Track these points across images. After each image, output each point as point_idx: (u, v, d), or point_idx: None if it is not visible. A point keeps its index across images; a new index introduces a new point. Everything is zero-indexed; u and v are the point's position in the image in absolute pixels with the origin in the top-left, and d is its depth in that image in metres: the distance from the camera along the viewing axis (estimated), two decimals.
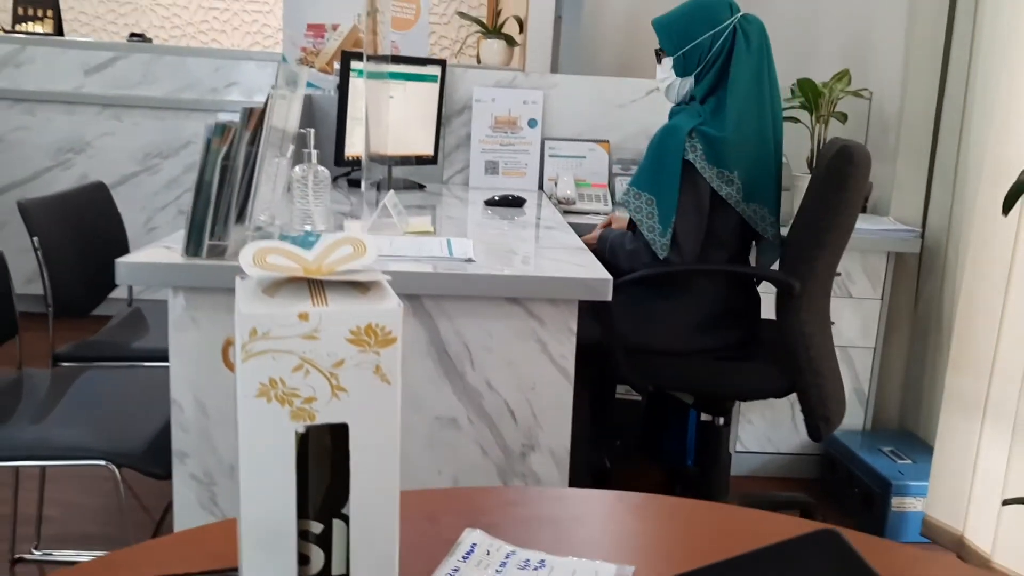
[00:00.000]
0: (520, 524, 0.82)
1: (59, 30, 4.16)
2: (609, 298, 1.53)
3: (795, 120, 2.72)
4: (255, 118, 1.53)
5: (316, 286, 0.45)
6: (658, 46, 2.09)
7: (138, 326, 2.26)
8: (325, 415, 0.44)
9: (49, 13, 4.14)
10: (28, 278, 2.85)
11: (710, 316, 2.06)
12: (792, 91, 2.73)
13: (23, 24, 4.11)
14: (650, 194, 1.97)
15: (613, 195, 2.93)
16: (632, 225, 2.10)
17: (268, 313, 0.41)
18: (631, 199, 2.01)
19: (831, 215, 1.90)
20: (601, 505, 0.89)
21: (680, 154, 1.94)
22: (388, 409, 0.46)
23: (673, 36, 2.03)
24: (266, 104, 1.53)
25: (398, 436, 0.47)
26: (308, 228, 1.85)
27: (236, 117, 1.52)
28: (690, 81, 2.04)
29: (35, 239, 1.95)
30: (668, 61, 2.05)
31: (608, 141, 2.98)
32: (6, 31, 4.12)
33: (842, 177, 1.87)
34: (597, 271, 1.59)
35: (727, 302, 2.08)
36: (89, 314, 2.09)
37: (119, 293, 2.42)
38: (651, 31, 2.14)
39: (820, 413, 2.00)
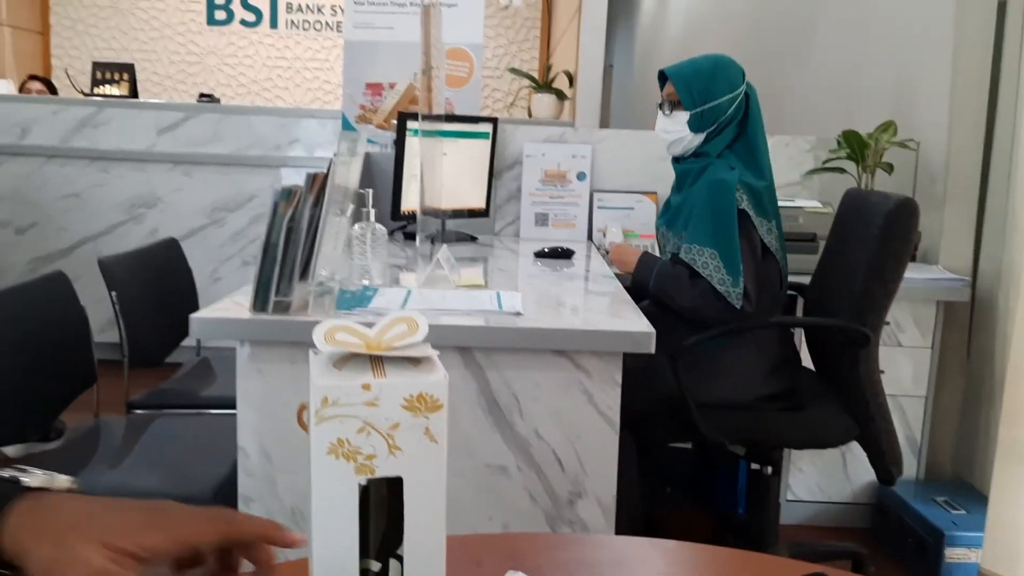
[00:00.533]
0: (563, 569, 0.88)
1: (134, 92, 4.41)
2: (652, 351, 1.59)
3: (841, 171, 2.76)
4: (318, 183, 1.64)
5: (376, 360, 0.53)
6: (665, 97, 2.13)
7: (206, 375, 2.38)
8: (383, 470, 0.52)
9: (125, 76, 4.40)
10: (102, 327, 3.00)
11: (771, 365, 2.10)
12: (838, 142, 2.78)
13: (101, 87, 4.38)
14: (712, 248, 1.98)
15: (662, 247, 2.99)
16: (681, 266, 2.13)
17: (337, 384, 0.50)
18: (695, 256, 2.00)
19: (897, 265, 1.97)
20: (644, 552, 0.94)
21: (735, 205, 1.98)
22: (436, 465, 0.54)
23: (693, 93, 2.07)
24: (329, 169, 1.64)
25: (444, 488, 0.55)
26: (366, 283, 1.95)
27: (300, 175, 1.64)
28: (700, 137, 2.09)
29: (113, 293, 2.09)
30: (682, 115, 2.08)
31: (656, 192, 3.06)
32: (86, 94, 4.38)
33: (907, 229, 1.94)
34: (640, 324, 1.65)
35: (783, 351, 2.13)
36: (162, 363, 2.22)
37: (188, 341, 2.56)
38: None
39: (891, 458, 2.04)
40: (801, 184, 3.07)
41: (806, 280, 2.36)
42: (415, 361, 0.53)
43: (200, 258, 3.95)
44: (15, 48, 5.18)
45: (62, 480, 0.62)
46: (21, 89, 4.77)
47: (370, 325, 0.56)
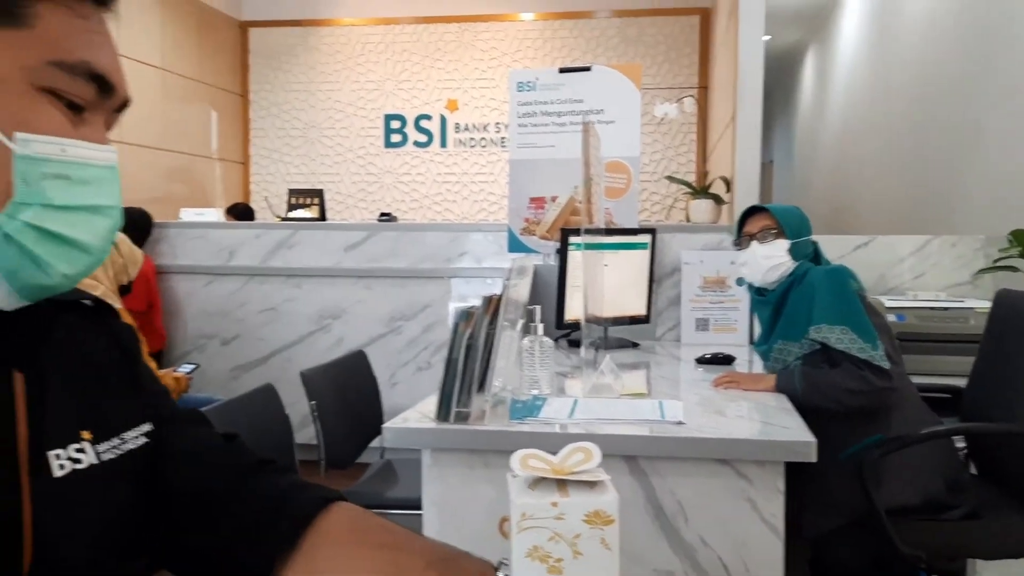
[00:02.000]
0: None
1: (323, 215, 4.90)
2: (814, 459, 1.63)
3: (1013, 269, 2.68)
4: (493, 304, 1.82)
5: (561, 482, 0.66)
6: (759, 230, 2.28)
7: (390, 476, 2.58)
8: (569, 571, 0.64)
9: (315, 201, 4.90)
10: (295, 428, 3.31)
11: (938, 463, 2.06)
12: (1009, 241, 2.72)
13: (295, 211, 4.88)
14: (842, 324, 2.05)
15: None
16: (825, 360, 2.15)
17: (532, 503, 0.63)
18: (828, 334, 2.07)
19: None
20: None
21: (854, 286, 2.12)
22: (610, 568, 0.65)
23: (793, 226, 2.27)
24: (502, 293, 1.82)
25: None
26: (535, 392, 2.10)
27: (469, 285, 1.82)
28: (795, 264, 2.26)
29: (312, 403, 2.35)
30: (783, 243, 2.25)
31: None
32: (282, 219, 4.90)
33: None
34: (802, 433, 1.69)
35: (946, 450, 2.09)
36: (353, 464, 2.44)
37: (373, 443, 2.78)
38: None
39: None
40: (972, 284, 2.99)
41: (960, 383, 2.31)
42: (591, 484, 0.66)
43: (379, 364, 4.25)
44: (224, 179, 5.88)
45: None
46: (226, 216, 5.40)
47: (554, 453, 0.69)
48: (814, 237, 2.32)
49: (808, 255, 2.27)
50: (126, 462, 0.72)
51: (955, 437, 2.18)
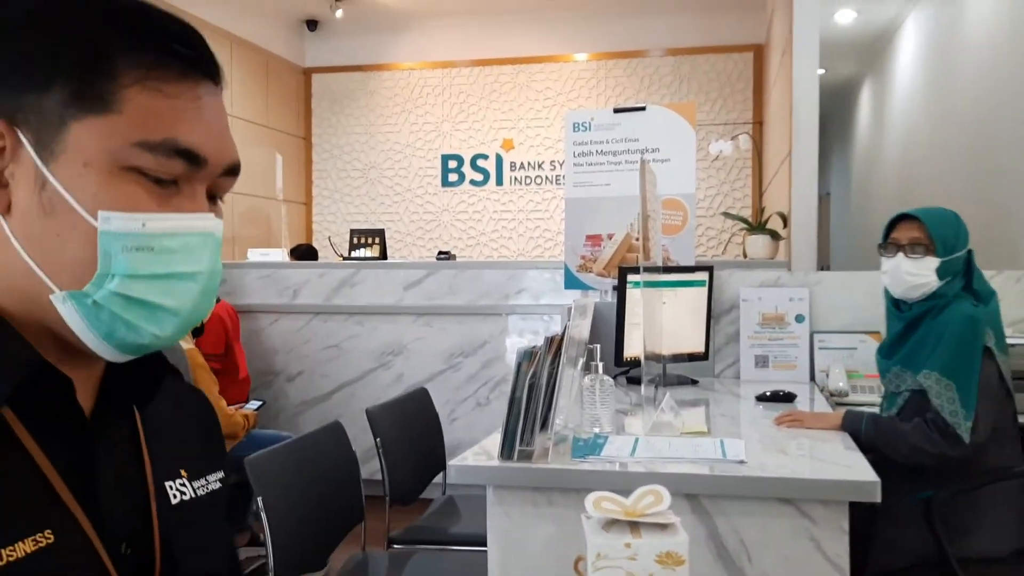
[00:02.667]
0: None
1: (383, 254, 5.01)
2: (878, 500, 1.63)
3: None
4: (555, 344, 1.87)
5: (634, 524, 0.70)
6: (908, 240, 2.15)
7: (453, 512, 2.63)
8: None
9: (376, 240, 5.02)
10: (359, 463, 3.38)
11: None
12: None
13: (357, 251, 5.01)
14: (949, 380, 2.00)
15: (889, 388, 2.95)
16: (906, 411, 2.13)
17: (607, 543, 0.67)
18: (931, 383, 2.03)
19: None
20: None
21: (981, 341, 2.02)
22: None
23: (947, 240, 2.12)
24: (563, 333, 1.87)
25: None
26: (596, 430, 2.13)
27: (526, 321, 1.87)
28: (941, 283, 2.12)
29: (378, 439, 2.41)
30: (932, 261, 2.11)
31: (879, 332, 3.04)
32: (344, 258, 5.03)
33: None
34: (866, 473, 1.70)
35: None
36: (416, 500, 2.50)
37: (435, 479, 2.83)
38: (924, 204, 2.25)
39: None
40: None
41: None
42: (663, 525, 0.70)
43: (439, 400, 4.31)
44: (288, 219, 6.07)
45: None
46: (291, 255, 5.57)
47: (622, 494, 0.73)
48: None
49: (959, 271, 2.14)
50: (213, 499, 0.81)
51: None
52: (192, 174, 0.67)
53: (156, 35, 0.66)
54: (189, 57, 0.67)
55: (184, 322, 0.68)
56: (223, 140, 0.70)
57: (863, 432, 2.05)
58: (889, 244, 2.20)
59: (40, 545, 0.61)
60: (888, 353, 2.27)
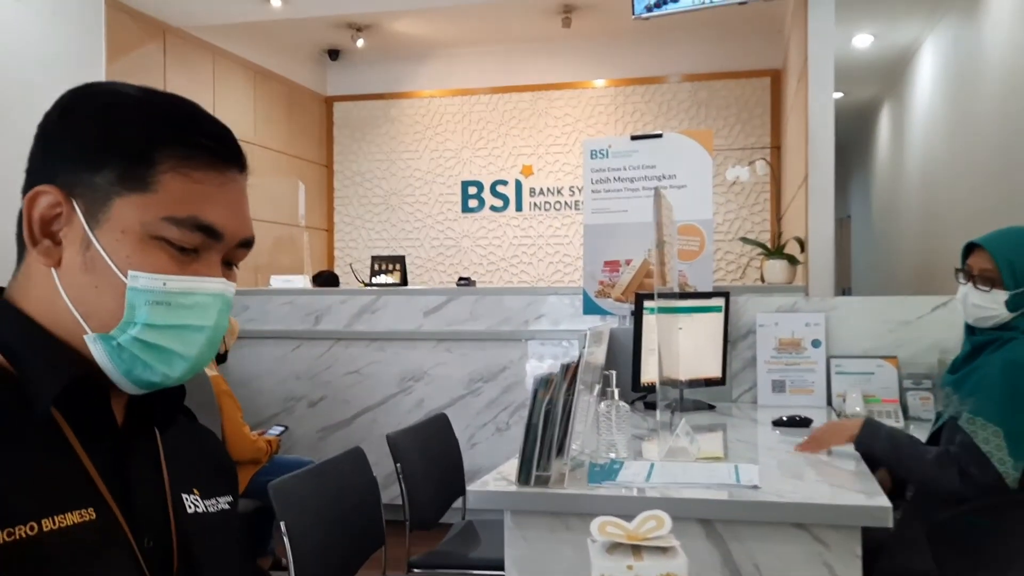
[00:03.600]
0: None
1: (404, 280, 5.08)
2: (890, 525, 1.64)
3: None
4: (571, 371, 1.91)
5: (636, 547, 0.74)
6: (978, 271, 2.11)
7: (472, 538, 2.65)
8: None
9: (397, 267, 5.09)
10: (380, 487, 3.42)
11: None
12: None
13: (378, 277, 5.08)
14: (997, 426, 1.95)
15: (905, 410, 2.96)
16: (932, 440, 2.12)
17: (610, 566, 0.71)
18: (978, 429, 1.97)
19: None
20: None
21: None
22: None
23: (1018, 272, 2.06)
24: (579, 360, 1.91)
25: None
26: (612, 456, 2.16)
27: (546, 347, 1.91)
28: (1012, 315, 2.07)
29: (398, 465, 2.45)
30: (1001, 294, 2.07)
31: (896, 357, 3.05)
32: (366, 284, 5.10)
33: None
34: (878, 499, 1.71)
35: None
36: (436, 524, 2.53)
37: (455, 503, 2.86)
38: (944, 233, 2.21)
39: None
40: None
41: None
42: (664, 549, 0.73)
43: (459, 425, 4.35)
44: (311, 246, 6.16)
45: None
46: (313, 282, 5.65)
47: (629, 520, 0.77)
48: None
49: None
50: (223, 516, 0.93)
51: None
52: (210, 245, 0.81)
53: (191, 132, 0.81)
54: (217, 150, 0.82)
55: (191, 366, 0.81)
56: (240, 218, 0.83)
57: (879, 448, 2.05)
58: (963, 271, 2.17)
59: (84, 519, 0.73)
60: (953, 369, 2.24)
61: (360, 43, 6.76)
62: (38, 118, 0.83)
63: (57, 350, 0.78)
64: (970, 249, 2.17)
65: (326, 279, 5.84)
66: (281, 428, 3.96)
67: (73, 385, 0.76)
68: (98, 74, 5.01)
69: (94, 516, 0.74)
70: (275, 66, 6.87)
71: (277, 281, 5.05)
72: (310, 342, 4.67)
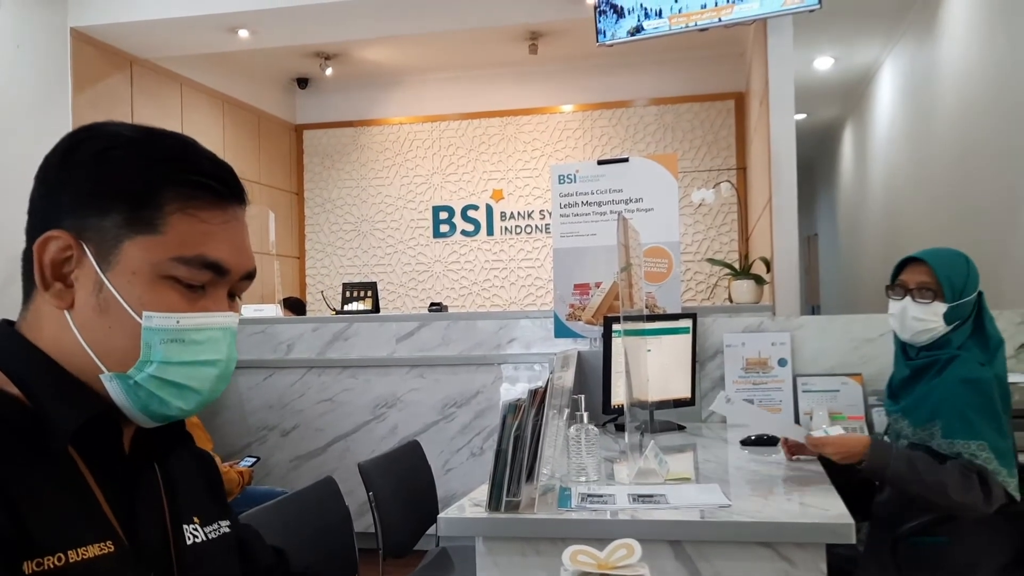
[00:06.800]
0: None
1: (376, 307, 5.08)
2: (852, 541, 1.67)
3: None
4: (539, 396, 1.93)
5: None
6: (916, 284, 2.12)
7: (446, 564, 2.65)
8: None
9: (368, 293, 5.09)
10: (352, 516, 3.40)
11: (1005, 562, 2.04)
12: None
13: (349, 304, 5.08)
14: (980, 440, 1.96)
15: (871, 426, 3.01)
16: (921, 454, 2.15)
17: None
18: (961, 450, 1.97)
19: None
20: None
21: (995, 400, 2.01)
22: None
23: (956, 286, 2.09)
24: (547, 385, 1.93)
25: None
26: (583, 479, 2.18)
27: (518, 370, 1.93)
28: (948, 328, 2.10)
29: (371, 494, 2.45)
30: (940, 307, 2.08)
31: (861, 374, 3.10)
32: (337, 312, 5.09)
33: None
34: (841, 515, 1.74)
35: (1018, 547, 2.08)
36: (410, 552, 2.52)
37: (429, 530, 2.86)
38: (906, 251, 2.22)
39: None
40: (1015, 358, 3.01)
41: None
42: None
43: (433, 451, 4.35)
44: (282, 274, 6.15)
45: None
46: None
47: (601, 548, 0.80)
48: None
49: (967, 314, 2.11)
50: (224, 542, 0.95)
51: None
52: (217, 280, 0.84)
53: (194, 173, 0.83)
54: (219, 190, 0.84)
55: (204, 399, 0.84)
56: (243, 253, 0.87)
57: (891, 468, 1.99)
58: (897, 286, 2.17)
59: (103, 552, 0.76)
60: (893, 395, 2.26)
61: (329, 71, 6.80)
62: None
63: (73, 387, 0.80)
64: (903, 265, 2.18)
65: (293, 305, 5.83)
66: (253, 459, 3.93)
67: (89, 423, 0.78)
68: (64, 105, 4.99)
69: (112, 549, 0.76)
70: (244, 95, 6.88)
71: (248, 310, 5.03)
72: (282, 371, 4.65)
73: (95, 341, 0.80)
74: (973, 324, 2.13)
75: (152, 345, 0.80)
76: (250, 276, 0.88)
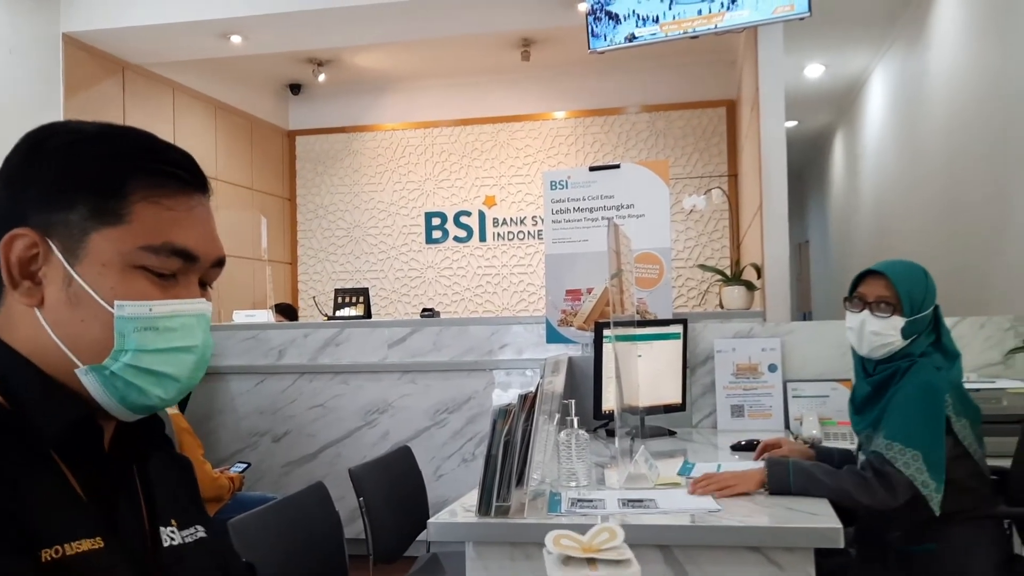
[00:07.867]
0: None
1: (368, 312, 5.08)
2: (841, 546, 1.68)
3: None
4: (529, 401, 1.93)
5: (591, 559, 0.78)
6: (875, 297, 2.11)
7: (436, 569, 2.65)
8: None
9: (360, 299, 5.09)
10: (344, 522, 3.39)
11: (992, 566, 2.05)
12: None
13: (341, 310, 5.07)
14: (916, 450, 1.96)
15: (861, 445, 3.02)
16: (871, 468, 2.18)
17: None
18: (896, 455, 1.97)
19: None
20: None
21: (944, 412, 2.01)
22: None
23: (914, 299, 2.09)
24: (537, 390, 1.93)
25: None
26: (573, 484, 2.18)
27: (510, 376, 1.93)
28: (906, 342, 2.11)
29: (361, 499, 2.45)
30: (898, 320, 2.08)
31: (850, 380, 3.11)
32: (329, 317, 5.09)
33: None
34: (829, 520, 1.75)
35: (1003, 550, 2.09)
36: (400, 558, 2.52)
37: (420, 536, 2.86)
38: (899, 246, 2.25)
39: None
40: (1003, 364, 3.03)
41: (997, 463, 2.31)
42: (617, 560, 0.77)
43: (424, 457, 4.34)
44: (274, 279, 6.15)
45: None
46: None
47: (583, 532, 0.81)
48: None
49: (924, 328, 2.11)
50: (200, 546, 0.94)
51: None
52: (187, 268, 0.84)
53: (156, 160, 0.83)
54: (184, 177, 0.85)
55: (183, 386, 0.84)
56: (211, 240, 0.87)
57: (792, 484, 1.98)
58: (855, 299, 2.17)
59: (94, 547, 0.77)
60: (858, 411, 2.26)
61: (321, 77, 6.81)
62: None
63: (52, 388, 0.80)
64: (862, 277, 2.19)
65: (284, 310, 5.82)
66: (244, 465, 3.92)
67: (71, 427, 0.79)
68: (56, 110, 4.99)
69: (102, 545, 0.77)
70: (236, 101, 6.88)
71: (239, 316, 5.02)
72: (274, 377, 4.64)
73: (68, 336, 0.80)
74: (932, 335, 2.14)
75: (126, 334, 0.80)
76: (220, 264, 0.88)
